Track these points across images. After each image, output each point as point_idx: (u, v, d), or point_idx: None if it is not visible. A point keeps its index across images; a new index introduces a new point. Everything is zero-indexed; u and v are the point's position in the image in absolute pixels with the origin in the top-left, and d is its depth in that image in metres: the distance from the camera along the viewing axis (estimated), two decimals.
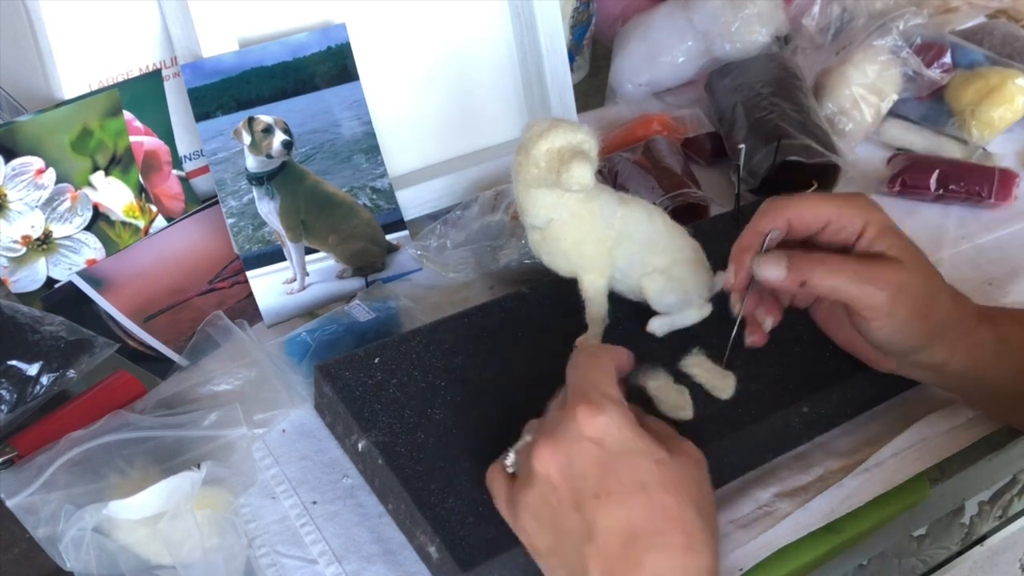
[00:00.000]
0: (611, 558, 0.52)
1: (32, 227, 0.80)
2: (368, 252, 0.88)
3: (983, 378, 0.69)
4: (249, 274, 0.83)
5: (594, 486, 0.53)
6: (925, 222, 0.98)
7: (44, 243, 0.80)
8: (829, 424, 0.74)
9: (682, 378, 0.71)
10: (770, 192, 0.95)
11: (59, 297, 0.80)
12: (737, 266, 0.67)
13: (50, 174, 0.79)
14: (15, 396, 0.70)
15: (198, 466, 0.64)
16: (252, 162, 0.84)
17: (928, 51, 1.09)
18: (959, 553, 0.91)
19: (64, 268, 0.81)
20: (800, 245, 0.67)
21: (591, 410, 0.54)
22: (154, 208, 0.86)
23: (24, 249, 0.80)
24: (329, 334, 0.79)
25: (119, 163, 0.83)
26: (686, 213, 0.91)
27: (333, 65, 0.87)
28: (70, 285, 0.80)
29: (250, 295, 0.84)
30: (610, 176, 0.96)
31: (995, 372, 0.68)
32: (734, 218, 0.84)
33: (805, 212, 0.66)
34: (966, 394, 0.73)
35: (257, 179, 0.84)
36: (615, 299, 0.73)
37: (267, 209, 0.84)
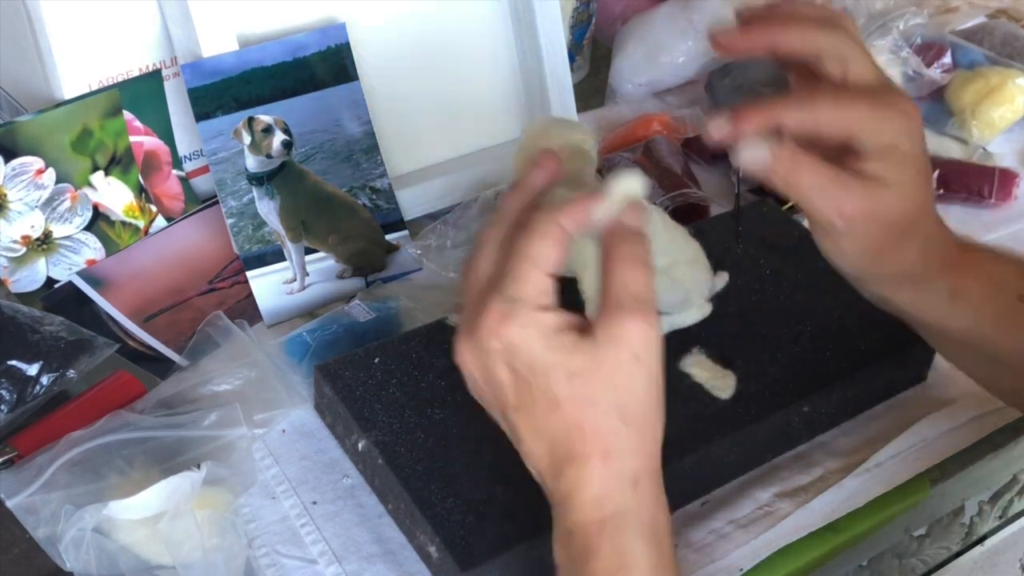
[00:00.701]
0: (536, 463, 0.53)
1: (32, 227, 0.80)
2: (368, 252, 0.88)
3: (930, 323, 0.65)
4: (249, 274, 0.83)
5: (513, 399, 0.53)
6: None
7: (44, 243, 0.80)
8: (829, 424, 0.74)
9: (683, 377, 0.71)
10: (770, 192, 0.94)
11: (59, 297, 0.80)
12: (738, 124, 0.56)
13: (50, 174, 0.79)
14: (15, 396, 0.70)
15: (198, 466, 0.64)
16: (252, 162, 0.84)
17: (928, 51, 1.09)
18: (959, 553, 0.90)
19: (64, 268, 0.81)
20: None
21: (501, 316, 0.51)
22: (154, 208, 0.86)
23: (24, 249, 0.80)
24: (329, 334, 0.79)
25: (119, 163, 0.83)
26: (686, 213, 0.91)
27: (333, 65, 0.87)
28: (70, 285, 0.80)
29: (250, 295, 0.84)
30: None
31: (945, 323, 0.64)
32: (734, 218, 0.84)
33: (831, 125, 0.57)
34: (916, 328, 0.68)
35: (257, 179, 0.84)
36: None
37: (267, 209, 0.84)
